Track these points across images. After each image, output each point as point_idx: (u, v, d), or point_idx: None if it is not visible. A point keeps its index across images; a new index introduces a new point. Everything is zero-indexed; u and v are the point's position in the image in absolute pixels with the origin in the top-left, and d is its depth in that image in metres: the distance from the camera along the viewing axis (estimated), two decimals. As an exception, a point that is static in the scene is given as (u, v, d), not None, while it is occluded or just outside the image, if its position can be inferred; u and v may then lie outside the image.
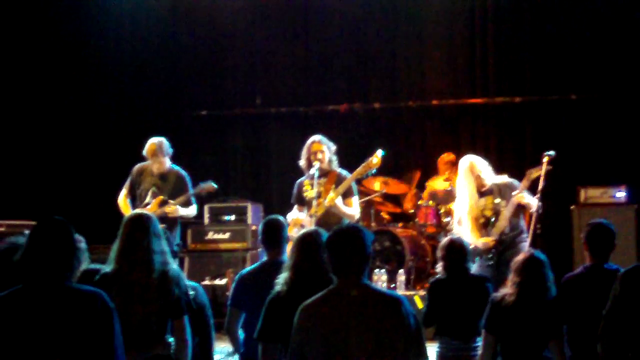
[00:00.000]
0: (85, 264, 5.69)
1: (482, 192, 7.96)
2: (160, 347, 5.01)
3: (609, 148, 11.18)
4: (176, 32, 12.95)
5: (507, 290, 5.67)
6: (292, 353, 4.22)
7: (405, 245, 10.36)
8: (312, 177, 8.17)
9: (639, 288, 4.03)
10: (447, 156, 11.08)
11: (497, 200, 7.85)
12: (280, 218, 6.20)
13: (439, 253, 6.24)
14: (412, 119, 12.51)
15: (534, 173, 7.80)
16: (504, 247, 7.71)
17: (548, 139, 10.86)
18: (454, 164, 11.00)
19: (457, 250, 6.15)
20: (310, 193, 8.22)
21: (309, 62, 12.72)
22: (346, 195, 8.10)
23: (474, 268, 7.57)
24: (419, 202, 10.72)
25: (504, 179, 8.02)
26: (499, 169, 11.78)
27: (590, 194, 10.18)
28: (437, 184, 11.03)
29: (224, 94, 12.90)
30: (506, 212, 7.76)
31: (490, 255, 7.74)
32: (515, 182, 7.91)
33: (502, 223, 7.76)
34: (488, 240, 7.74)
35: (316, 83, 12.68)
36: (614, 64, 11.42)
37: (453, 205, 10.31)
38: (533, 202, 7.75)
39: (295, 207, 8.44)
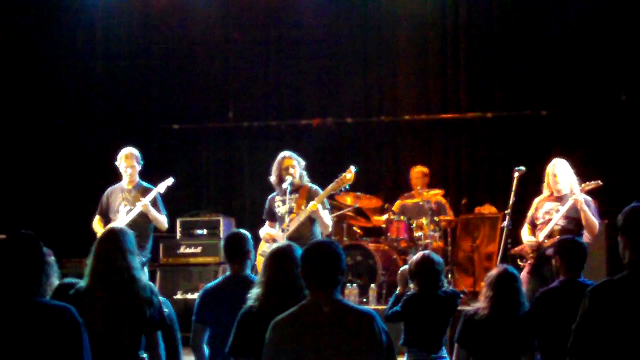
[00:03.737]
0: (54, 278, 5.67)
1: (557, 197, 8.02)
2: (134, 363, 5.00)
3: (579, 163, 11.25)
4: (148, 46, 12.92)
5: (480, 304, 5.70)
6: (264, 368, 4.21)
7: (377, 259, 10.36)
8: (284, 193, 8.19)
9: (608, 303, 4.04)
10: (418, 168, 11.09)
11: (560, 207, 7.87)
12: (243, 232, 6.16)
13: (413, 268, 6.22)
14: (384, 134, 12.55)
15: (588, 186, 7.89)
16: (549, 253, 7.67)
17: (519, 155, 10.93)
18: (425, 176, 11.04)
19: (429, 266, 6.15)
20: (282, 209, 8.23)
21: (281, 76, 12.74)
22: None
23: (525, 268, 7.83)
24: (391, 217, 10.72)
25: (576, 189, 8.00)
26: (470, 184, 11.96)
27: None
28: (408, 199, 11.05)
29: (196, 108, 12.87)
30: (556, 219, 7.80)
31: (530, 254, 7.85)
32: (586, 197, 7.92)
33: (550, 227, 7.81)
34: (531, 242, 7.88)
35: (289, 97, 12.71)
36: (584, 80, 11.54)
37: (424, 220, 10.38)
38: (588, 213, 7.78)
39: (267, 222, 8.45)
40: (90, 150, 12.32)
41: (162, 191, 8.78)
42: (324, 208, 8.21)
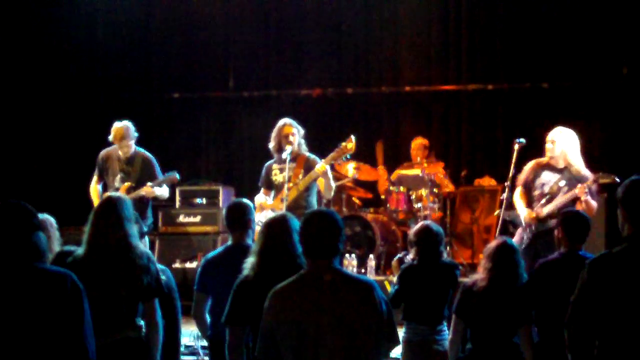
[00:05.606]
0: (56, 245, 5.69)
1: (556, 168, 7.80)
2: (131, 330, 5.01)
3: (580, 137, 11.23)
4: (149, 14, 12.87)
5: (478, 275, 5.71)
6: (262, 337, 4.20)
7: (375, 230, 10.38)
8: (282, 161, 8.21)
9: (606, 276, 4.05)
10: (419, 140, 11.09)
11: (562, 183, 7.68)
12: (245, 201, 6.17)
13: (412, 238, 6.23)
14: (385, 104, 12.53)
15: (603, 179, 7.60)
16: (547, 229, 7.54)
17: (519, 127, 10.92)
18: (426, 148, 11.04)
19: (431, 236, 6.14)
20: (279, 177, 8.24)
21: (282, 46, 12.69)
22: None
23: (516, 237, 7.72)
24: (390, 188, 10.72)
25: (581, 167, 7.78)
26: (470, 156, 11.94)
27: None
28: (408, 169, 11.05)
29: (197, 77, 12.85)
30: (561, 199, 7.61)
31: (528, 230, 7.71)
32: (588, 176, 7.65)
33: (553, 206, 7.62)
34: (532, 216, 7.67)
35: (289, 67, 12.66)
36: (586, 53, 11.50)
37: (423, 191, 10.38)
38: (591, 202, 7.55)
39: (262, 190, 8.46)
40: (90, 118, 12.30)
41: (167, 185, 8.84)
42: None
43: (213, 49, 12.82)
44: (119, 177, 8.73)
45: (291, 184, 8.09)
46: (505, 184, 7.86)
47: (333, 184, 8.29)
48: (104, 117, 10.57)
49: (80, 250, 5.07)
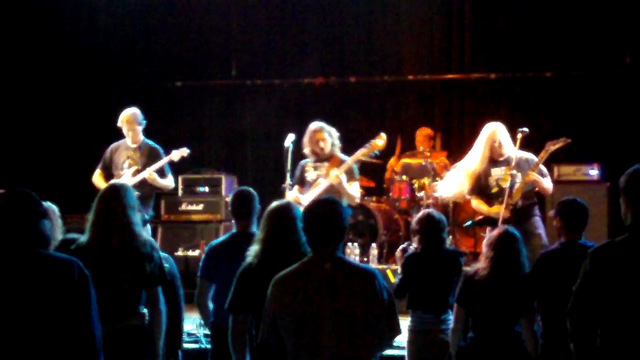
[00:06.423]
0: (59, 233, 5.70)
1: (499, 162, 7.86)
2: (134, 318, 5.03)
3: (583, 126, 11.24)
4: (151, 3, 12.84)
5: (480, 264, 5.70)
6: (265, 324, 4.23)
7: (378, 219, 10.38)
8: (317, 160, 8.17)
9: (608, 265, 4.05)
10: (424, 130, 11.08)
11: (514, 172, 7.68)
12: (250, 189, 6.18)
13: (415, 226, 6.22)
14: (388, 93, 12.50)
15: (552, 146, 7.66)
16: (519, 218, 7.55)
17: (522, 116, 10.91)
18: (431, 138, 11.04)
19: (434, 223, 6.14)
20: (312, 174, 8.24)
21: (285, 34, 12.67)
22: (348, 178, 8.12)
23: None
24: (394, 177, 10.72)
25: (525, 153, 7.82)
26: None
27: (564, 171, 10.24)
28: (411, 158, 11.05)
29: (199, 65, 12.83)
30: (520, 186, 7.63)
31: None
32: (535, 157, 7.73)
33: (516, 196, 7.62)
34: (501, 211, 7.58)
35: (292, 56, 12.63)
36: (589, 41, 11.48)
37: (426, 180, 10.38)
38: (545, 183, 7.67)
39: (296, 187, 8.39)
40: (93, 107, 12.32)
41: (175, 159, 8.86)
42: (353, 179, 8.18)
43: (215, 37, 12.81)
44: (126, 163, 8.76)
45: (317, 184, 8.06)
46: (509, 172, 7.83)
47: (352, 192, 8.11)
48: (106, 106, 10.61)
49: (83, 238, 5.08)
